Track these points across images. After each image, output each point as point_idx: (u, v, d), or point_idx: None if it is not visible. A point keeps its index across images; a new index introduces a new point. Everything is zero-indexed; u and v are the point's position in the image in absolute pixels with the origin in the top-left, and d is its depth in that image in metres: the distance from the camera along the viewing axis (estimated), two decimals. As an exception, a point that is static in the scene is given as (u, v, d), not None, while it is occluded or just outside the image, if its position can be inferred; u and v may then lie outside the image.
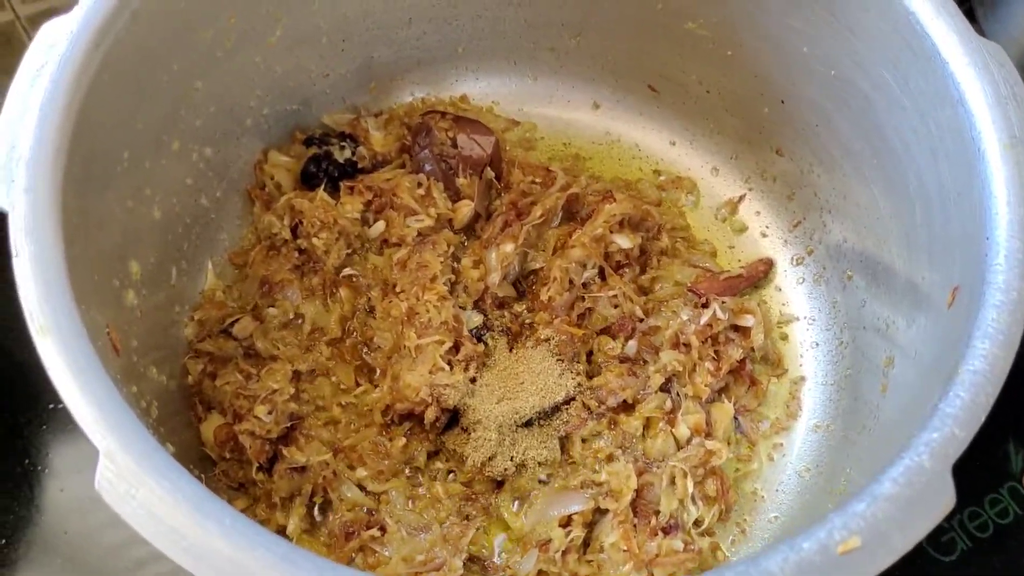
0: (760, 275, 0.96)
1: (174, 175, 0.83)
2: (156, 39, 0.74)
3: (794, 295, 0.96)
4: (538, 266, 0.94)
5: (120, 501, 0.52)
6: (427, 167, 0.97)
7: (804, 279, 0.96)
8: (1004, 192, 0.63)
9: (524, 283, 0.95)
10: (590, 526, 0.83)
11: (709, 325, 0.88)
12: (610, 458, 0.86)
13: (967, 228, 0.66)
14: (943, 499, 0.53)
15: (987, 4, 1.00)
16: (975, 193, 0.65)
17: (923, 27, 0.71)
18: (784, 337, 0.95)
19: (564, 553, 0.80)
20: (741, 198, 1.01)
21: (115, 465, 0.52)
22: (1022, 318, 0.59)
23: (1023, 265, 0.60)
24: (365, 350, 0.91)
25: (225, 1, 0.80)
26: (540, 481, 0.86)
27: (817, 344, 0.93)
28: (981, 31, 0.94)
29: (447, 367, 0.86)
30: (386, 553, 0.80)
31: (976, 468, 0.93)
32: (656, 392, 0.88)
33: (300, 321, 0.91)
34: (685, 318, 0.89)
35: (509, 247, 0.92)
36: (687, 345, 0.88)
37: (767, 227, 1.00)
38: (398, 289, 0.90)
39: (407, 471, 0.86)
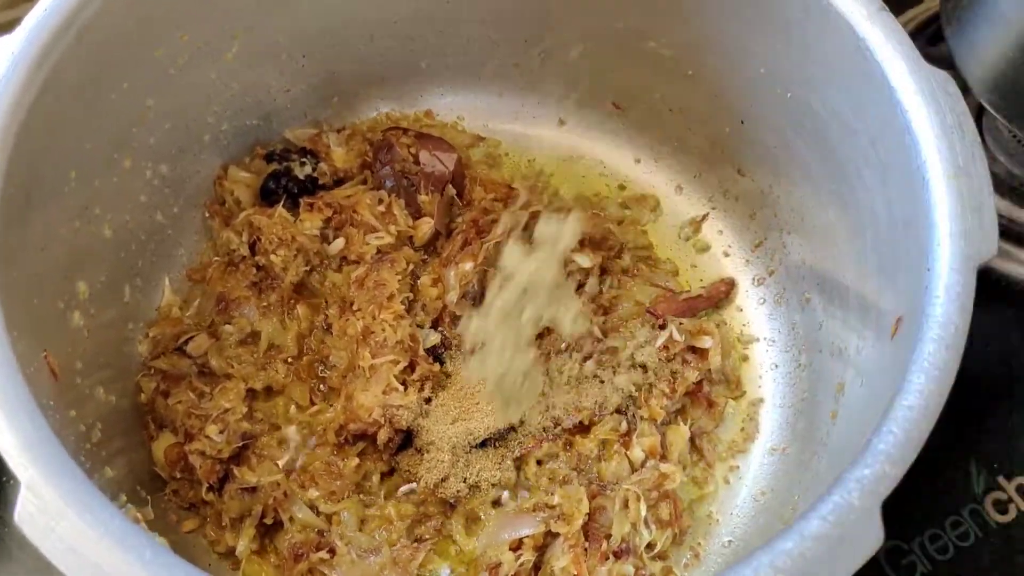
0: (721, 295, 0.96)
1: (126, 193, 0.83)
2: (104, 58, 0.74)
3: (755, 316, 0.96)
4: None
5: (41, 535, 0.51)
6: (388, 184, 0.97)
7: (765, 300, 0.96)
8: (947, 224, 0.63)
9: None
10: (541, 549, 0.82)
11: (666, 347, 0.88)
12: (565, 480, 0.85)
13: (912, 257, 0.66)
14: (871, 538, 0.53)
15: (954, 24, 0.99)
16: (920, 222, 0.65)
17: (873, 54, 0.70)
18: (744, 358, 0.95)
19: (514, 577, 0.80)
20: (704, 217, 1.01)
21: (37, 498, 0.52)
22: (959, 353, 0.59)
23: (961, 298, 0.60)
24: (321, 368, 0.90)
25: (177, 19, 0.79)
26: (493, 503, 0.86)
27: (776, 366, 0.93)
28: (949, 51, 0.94)
29: (401, 388, 0.85)
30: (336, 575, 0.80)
31: (937, 490, 0.94)
32: (612, 414, 0.87)
33: (256, 338, 0.90)
34: (642, 339, 0.89)
35: (468, 265, 0.92)
36: (643, 367, 0.88)
37: (730, 246, 0.99)
38: (355, 307, 0.90)
39: (361, 492, 0.86)
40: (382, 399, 0.84)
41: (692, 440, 0.89)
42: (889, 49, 0.70)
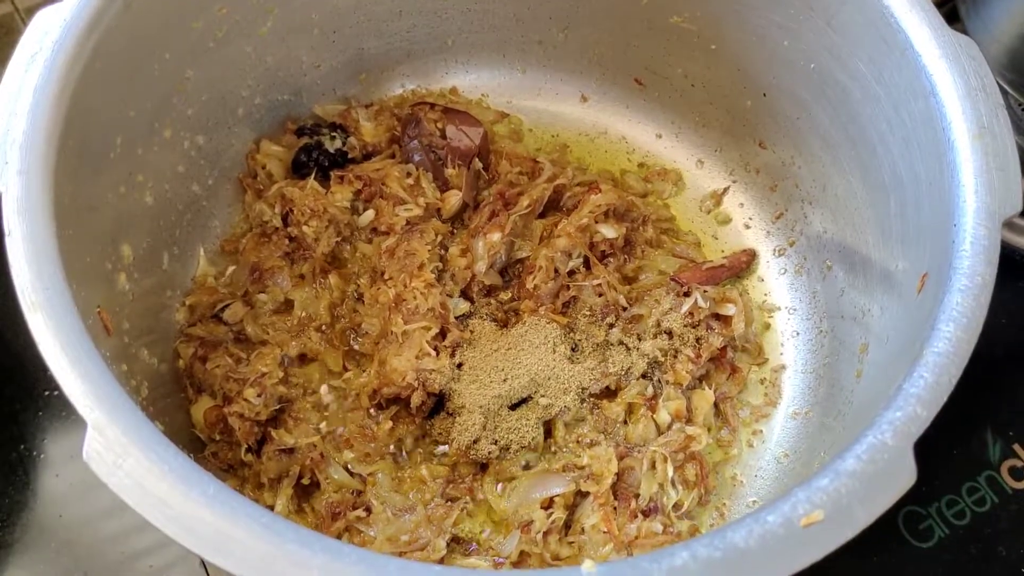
0: (743, 266, 0.98)
1: (166, 162, 0.85)
2: (148, 28, 0.76)
3: (776, 285, 0.98)
4: (524, 255, 0.96)
5: (108, 471, 0.53)
6: (416, 157, 0.99)
7: (786, 270, 0.98)
8: (972, 181, 0.65)
9: (511, 272, 0.96)
10: (572, 508, 0.84)
11: (690, 313, 0.90)
12: (592, 443, 0.87)
13: (937, 216, 0.68)
14: (904, 475, 0.55)
15: (969, 3, 1.01)
16: (945, 182, 0.67)
17: (897, 21, 0.72)
18: (767, 326, 0.97)
19: (545, 534, 0.82)
20: (725, 190, 1.03)
21: (103, 436, 0.54)
22: (986, 302, 0.61)
23: (988, 251, 0.62)
24: (353, 336, 0.92)
25: (216, -9, 0.82)
26: (523, 467, 0.88)
27: (798, 333, 0.95)
28: (964, 30, 0.96)
29: (433, 352, 0.87)
30: (371, 533, 0.82)
31: (954, 456, 0.96)
32: (638, 379, 0.89)
33: (290, 307, 0.93)
34: (667, 307, 0.91)
35: (496, 236, 0.94)
36: (668, 333, 0.90)
37: (750, 218, 1.01)
38: (386, 276, 0.92)
39: (395, 454, 0.88)
40: (415, 363, 0.86)
41: (716, 405, 0.91)
42: (913, 16, 0.72)
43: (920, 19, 0.72)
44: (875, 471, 0.55)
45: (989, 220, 0.63)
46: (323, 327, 0.93)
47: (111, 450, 0.54)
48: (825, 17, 0.80)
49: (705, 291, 0.92)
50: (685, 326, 0.90)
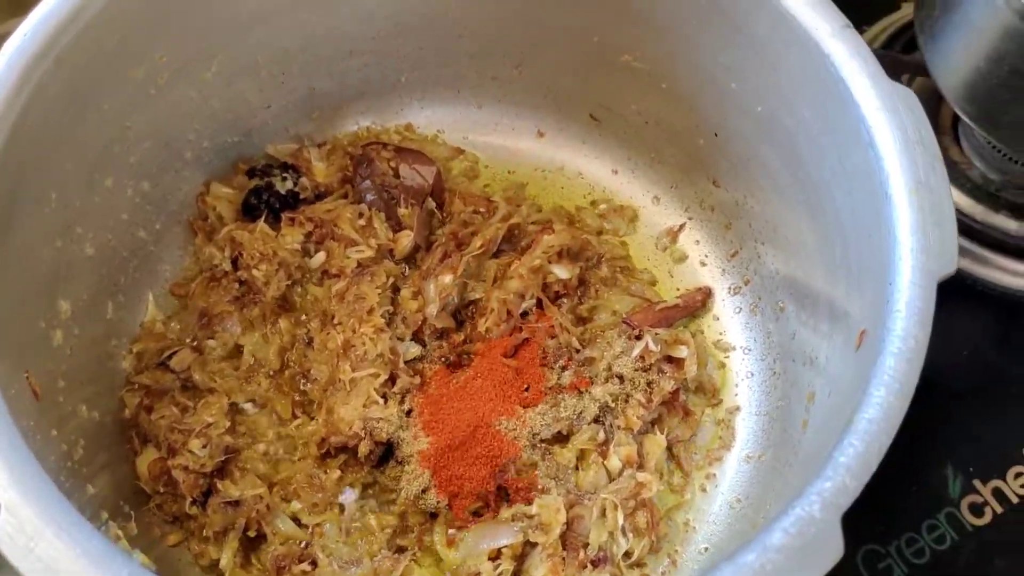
0: (697, 304, 0.97)
1: (108, 211, 0.84)
2: (82, 82, 0.75)
3: (731, 324, 0.97)
4: (478, 296, 0.95)
5: (20, 556, 0.52)
6: (368, 197, 0.98)
7: (741, 309, 0.97)
8: (908, 239, 0.65)
9: (464, 313, 0.95)
10: (520, 559, 0.83)
11: (641, 357, 0.89)
12: (543, 490, 0.87)
13: (876, 271, 0.67)
14: (832, 549, 0.54)
15: (927, 33, 1.01)
16: (883, 236, 0.66)
17: (838, 70, 0.72)
18: (722, 365, 0.96)
19: (493, 586, 0.81)
20: (681, 227, 1.02)
21: (15, 518, 0.53)
22: (919, 366, 0.60)
23: (922, 313, 0.61)
24: (303, 382, 0.92)
25: (154, 40, 0.80)
26: (473, 513, 0.87)
27: (752, 374, 0.94)
28: (923, 61, 0.95)
29: (381, 400, 0.87)
30: (317, 587, 0.81)
31: (913, 493, 0.95)
32: (589, 424, 0.89)
33: (239, 353, 0.92)
34: (618, 350, 0.90)
35: (448, 278, 0.93)
36: (619, 377, 0.89)
37: (706, 256, 1.01)
38: (335, 321, 0.91)
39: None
40: (362, 412, 0.86)
41: (669, 449, 0.90)
42: (853, 65, 0.71)
43: (859, 69, 0.71)
44: (802, 545, 0.54)
45: (924, 279, 0.62)
46: (273, 373, 0.92)
47: (23, 532, 0.53)
48: (771, 62, 0.79)
49: (657, 334, 0.91)
50: (636, 370, 0.89)
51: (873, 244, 0.69)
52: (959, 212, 1.03)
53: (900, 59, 1.11)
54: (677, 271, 1.01)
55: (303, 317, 0.95)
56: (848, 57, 0.72)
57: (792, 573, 0.53)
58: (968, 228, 1.04)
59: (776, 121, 0.82)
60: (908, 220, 0.65)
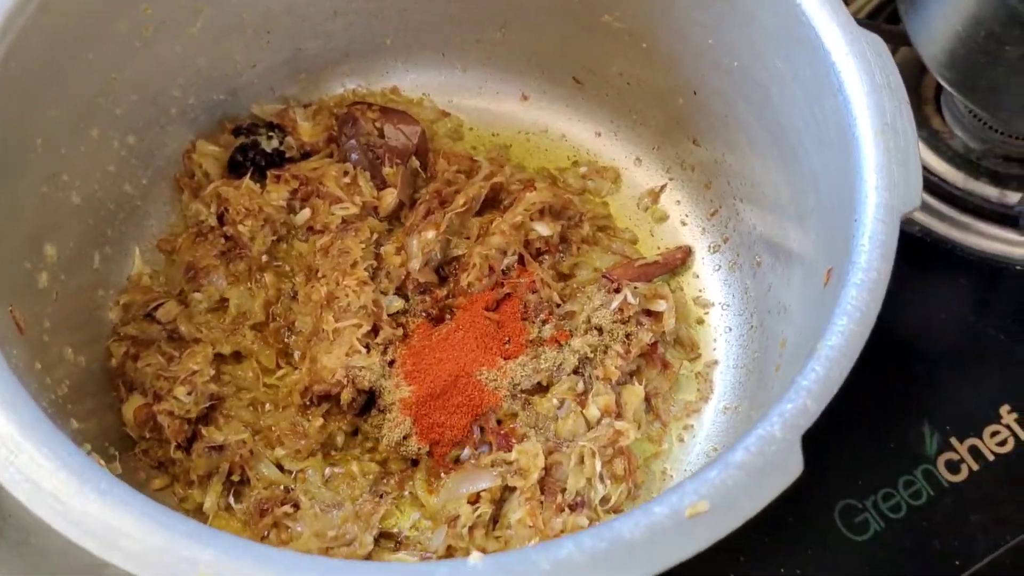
0: (677, 262, 0.99)
1: (94, 162, 0.85)
2: (67, 30, 0.76)
3: (711, 281, 0.99)
4: (460, 252, 0.96)
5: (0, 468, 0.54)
6: (353, 157, 1.00)
7: (720, 266, 0.99)
8: (873, 177, 0.66)
9: (447, 269, 0.97)
10: (499, 503, 0.85)
11: (620, 310, 0.91)
12: (523, 437, 0.88)
13: (843, 212, 0.68)
14: (792, 467, 0.56)
15: (908, 2, 1.02)
16: (849, 178, 0.68)
17: (808, 18, 0.73)
18: (700, 321, 0.98)
19: (471, 529, 0.83)
20: (662, 187, 1.04)
21: (-4, 432, 0.55)
22: (880, 296, 0.62)
23: (884, 246, 0.63)
24: (288, 334, 0.93)
25: (140, -8, 0.82)
26: (454, 460, 0.88)
27: (730, 329, 0.96)
28: (904, 31, 0.97)
29: (363, 350, 0.88)
30: (299, 529, 0.83)
31: (891, 450, 0.97)
32: (569, 375, 0.90)
33: (225, 306, 0.93)
34: (598, 303, 0.92)
35: (431, 234, 0.95)
36: (598, 329, 0.91)
37: (686, 216, 1.02)
38: (320, 275, 0.92)
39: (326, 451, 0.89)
40: (345, 361, 0.87)
41: (648, 400, 0.92)
42: (823, 14, 0.73)
43: (829, 16, 0.72)
44: (763, 463, 0.56)
45: (887, 215, 0.64)
46: (257, 325, 0.93)
47: (3, 444, 0.54)
48: (744, 16, 0.81)
49: (636, 288, 0.92)
50: (615, 322, 0.91)
51: (842, 187, 0.70)
52: (941, 180, 1.06)
53: (883, 29, 1.12)
54: (658, 230, 1.02)
55: (288, 271, 0.96)
56: (818, 6, 0.73)
57: (752, 488, 0.55)
58: (949, 195, 1.06)
59: (750, 75, 0.84)
60: (874, 160, 0.67)
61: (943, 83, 0.98)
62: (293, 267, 0.96)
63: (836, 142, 0.71)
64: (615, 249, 0.99)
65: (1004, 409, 0.99)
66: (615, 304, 0.91)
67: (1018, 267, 1.05)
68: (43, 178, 0.78)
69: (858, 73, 0.70)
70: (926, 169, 1.06)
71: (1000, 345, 1.02)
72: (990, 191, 1.08)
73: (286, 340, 0.93)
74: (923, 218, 1.07)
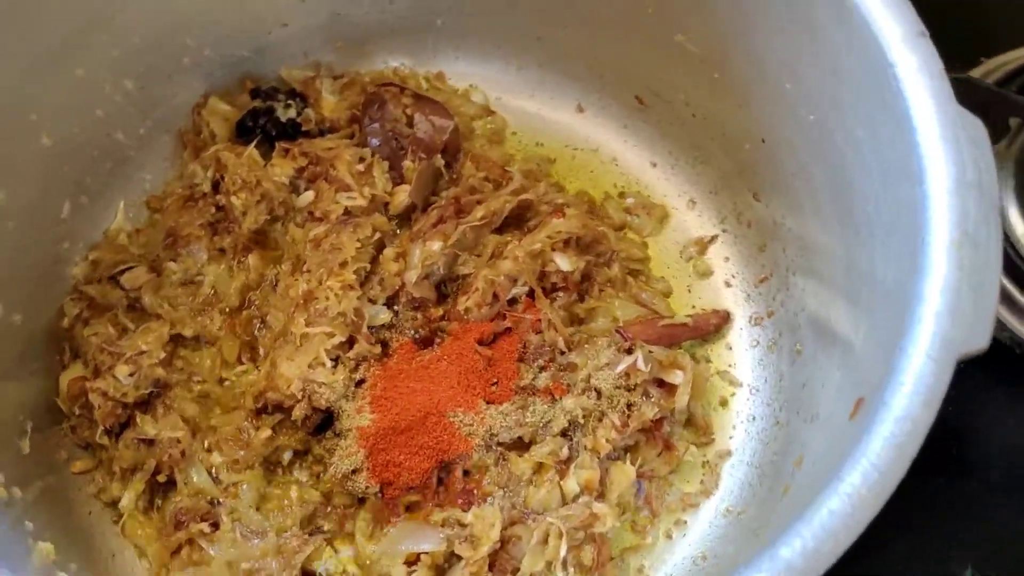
0: (711, 328, 0.86)
1: (76, 103, 0.77)
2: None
3: (744, 358, 0.86)
4: (468, 272, 0.85)
5: None
6: (374, 142, 0.89)
7: (759, 342, 0.85)
8: (937, 299, 0.52)
9: (449, 287, 0.86)
10: (440, 570, 0.74)
11: (627, 374, 0.79)
12: (486, 498, 0.77)
13: (893, 330, 0.55)
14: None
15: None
16: (908, 290, 0.54)
17: (899, 83, 0.59)
18: (724, 403, 0.85)
19: (401, 594, 0.72)
20: (713, 239, 0.90)
21: None
22: (912, 452, 0.48)
23: (930, 391, 0.49)
24: (260, 326, 0.84)
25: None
26: (406, 506, 0.78)
27: (754, 418, 0.83)
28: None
29: (329, 363, 0.78)
30: (212, 552, 0.74)
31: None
32: (555, 436, 0.79)
33: (200, 282, 0.84)
34: (603, 361, 0.79)
35: (436, 245, 0.84)
36: (597, 391, 0.78)
37: (733, 276, 0.89)
38: (305, 268, 0.82)
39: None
40: (305, 372, 0.77)
41: (638, 483, 0.79)
42: (919, 80, 0.59)
43: (926, 88, 0.58)
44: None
45: (942, 352, 0.50)
46: (229, 310, 0.84)
47: None
48: (831, 63, 0.67)
49: (651, 352, 0.80)
50: (617, 387, 0.78)
51: (900, 297, 0.56)
52: None
53: (1012, 99, 0.96)
54: (698, 287, 0.89)
55: (278, 257, 0.87)
56: (915, 69, 0.59)
57: None
58: None
59: (826, 133, 0.70)
60: (942, 276, 0.53)
61: None
62: (284, 253, 0.86)
63: (905, 243, 0.57)
64: (643, 300, 0.87)
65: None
66: (622, 367, 0.79)
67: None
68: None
69: (946, 165, 0.56)
70: None
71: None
72: None
73: (256, 333, 0.84)
74: (1016, 325, 0.92)
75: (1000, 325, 0.93)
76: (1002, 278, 0.90)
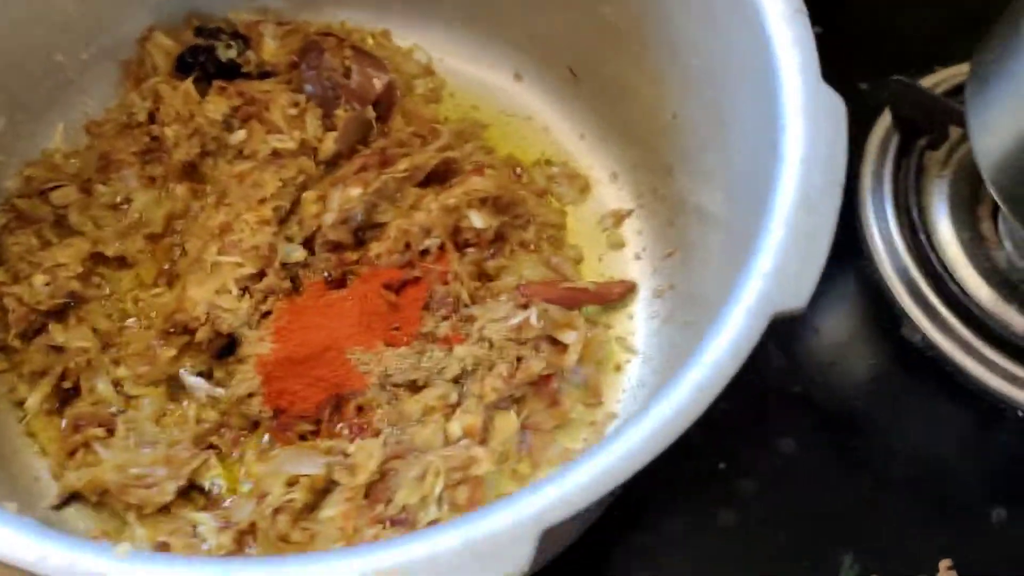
0: (614, 296, 0.88)
1: (13, 17, 0.80)
2: None
3: (642, 328, 0.88)
4: (386, 220, 0.88)
5: None
6: (308, 88, 0.93)
7: (658, 314, 0.88)
8: (767, 260, 0.55)
9: (367, 234, 0.89)
10: (321, 493, 0.78)
11: (519, 328, 0.82)
12: (376, 433, 0.80)
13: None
14: (516, 559, 0.46)
15: (973, 87, 0.89)
16: (750, 249, 0.57)
17: (774, 60, 0.62)
18: (618, 368, 0.87)
19: (277, 511, 0.76)
20: (629, 212, 0.93)
21: None
22: (710, 397, 0.51)
23: (737, 343, 0.52)
24: (179, 253, 0.87)
25: None
26: (299, 435, 0.81)
27: (643, 385, 0.86)
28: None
29: (235, 292, 0.82)
30: (104, 455, 0.77)
31: (801, 568, 0.86)
32: (447, 381, 0.82)
33: (127, 207, 0.88)
34: (500, 315, 0.83)
35: (356, 191, 0.87)
36: (490, 342, 0.82)
37: (643, 249, 0.92)
38: (226, 201, 0.86)
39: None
40: (211, 297, 0.81)
41: (524, 433, 0.82)
42: (792, 55, 0.62)
43: (796, 61, 0.61)
44: (489, 551, 0.47)
45: (759, 307, 0.53)
46: (153, 236, 0.87)
47: None
48: (727, 40, 0.70)
49: (547, 310, 0.83)
50: (509, 340, 0.81)
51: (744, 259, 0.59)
52: (965, 291, 0.93)
53: (951, 107, 0.98)
54: (609, 257, 0.92)
55: (207, 190, 0.90)
56: (789, 44, 0.62)
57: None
58: (968, 312, 0.93)
59: (722, 111, 0.73)
60: (776, 241, 0.56)
61: (991, 189, 0.86)
62: (212, 187, 0.89)
63: (757, 205, 0.60)
64: (553, 264, 0.89)
65: (944, 564, 0.87)
66: (515, 320, 0.82)
67: (1021, 412, 0.92)
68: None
69: (802, 137, 0.59)
70: (951, 273, 0.94)
71: (970, 498, 0.90)
72: (1018, 321, 0.94)
73: (175, 259, 0.87)
74: (928, 328, 0.95)
75: (913, 326, 0.96)
76: (925, 288, 0.95)
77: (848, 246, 0.98)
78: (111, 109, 0.93)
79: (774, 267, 0.54)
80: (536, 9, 0.92)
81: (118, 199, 0.88)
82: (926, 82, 1.08)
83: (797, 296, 0.53)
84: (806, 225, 0.55)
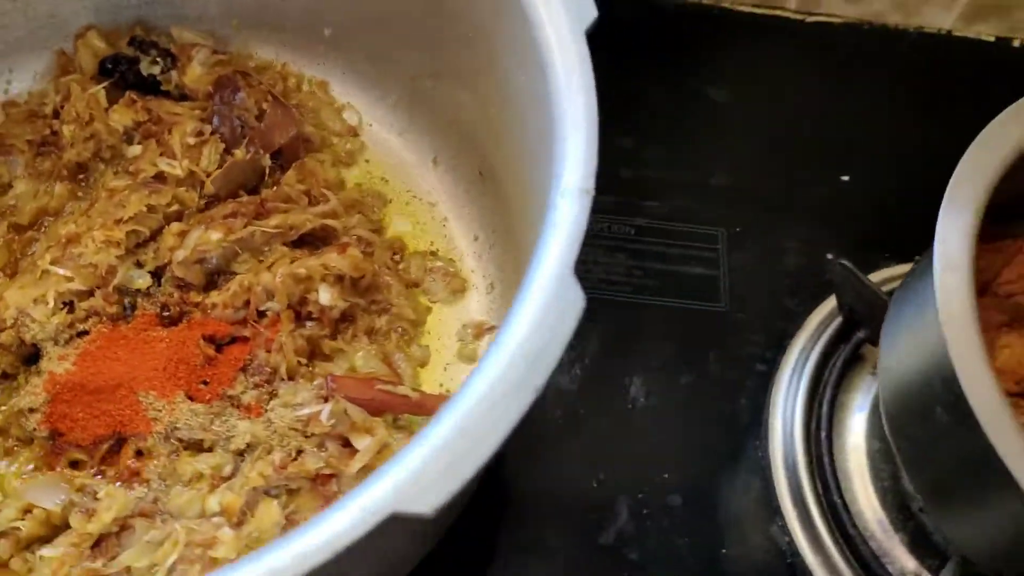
0: (432, 411, 0.83)
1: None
2: None
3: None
4: (242, 271, 0.86)
5: None
6: (216, 122, 0.92)
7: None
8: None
9: (222, 280, 0.87)
10: (58, 528, 0.75)
11: (307, 420, 0.78)
12: (142, 482, 0.78)
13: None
14: None
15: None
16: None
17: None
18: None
19: (1, 535, 0.74)
20: (491, 329, 0.88)
21: None
22: None
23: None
24: (33, 251, 0.87)
25: None
26: (71, 463, 0.79)
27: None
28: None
29: (51, 303, 0.80)
30: None
31: None
32: (230, 452, 0.78)
33: (4, 192, 0.89)
34: (299, 400, 0.79)
35: (216, 235, 0.85)
36: (273, 426, 0.78)
37: (490, 372, 0.86)
38: (87, 212, 0.85)
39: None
40: (26, 304, 0.80)
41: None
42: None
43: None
44: None
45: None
46: (17, 227, 0.88)
47: None
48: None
49: (344, 410, 0.78)
50: (293, 429, 0.77)
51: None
52: (850, 508, 0.86)
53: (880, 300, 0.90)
54: (454, 369, 0.87)
55: (88, 196, 0.90)
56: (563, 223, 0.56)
57: None
58: (846, 532, 0.85)
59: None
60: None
61: (887, 427, 0.79)
62: (89, 195, 0.89)
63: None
64: (391, 360, 0.85)
65: None
66: (305, 411, 0.78)
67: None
68: None
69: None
70: (840, 483, 0.87)
71: None
72: (901, 555, 0.85)
73: (29, 255, 0.87)
74: (799, 536, 0.87)
75: (784, 528, 0.88)
76: (809, 493, 0.87)
77: (755, 416, 0.92)
78: (32, 94, 0.94)
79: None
80: (455, 102, 0.89)
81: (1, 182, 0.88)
82: (888, 272, 1.00)
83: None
84: (478, 427, 0.49)
